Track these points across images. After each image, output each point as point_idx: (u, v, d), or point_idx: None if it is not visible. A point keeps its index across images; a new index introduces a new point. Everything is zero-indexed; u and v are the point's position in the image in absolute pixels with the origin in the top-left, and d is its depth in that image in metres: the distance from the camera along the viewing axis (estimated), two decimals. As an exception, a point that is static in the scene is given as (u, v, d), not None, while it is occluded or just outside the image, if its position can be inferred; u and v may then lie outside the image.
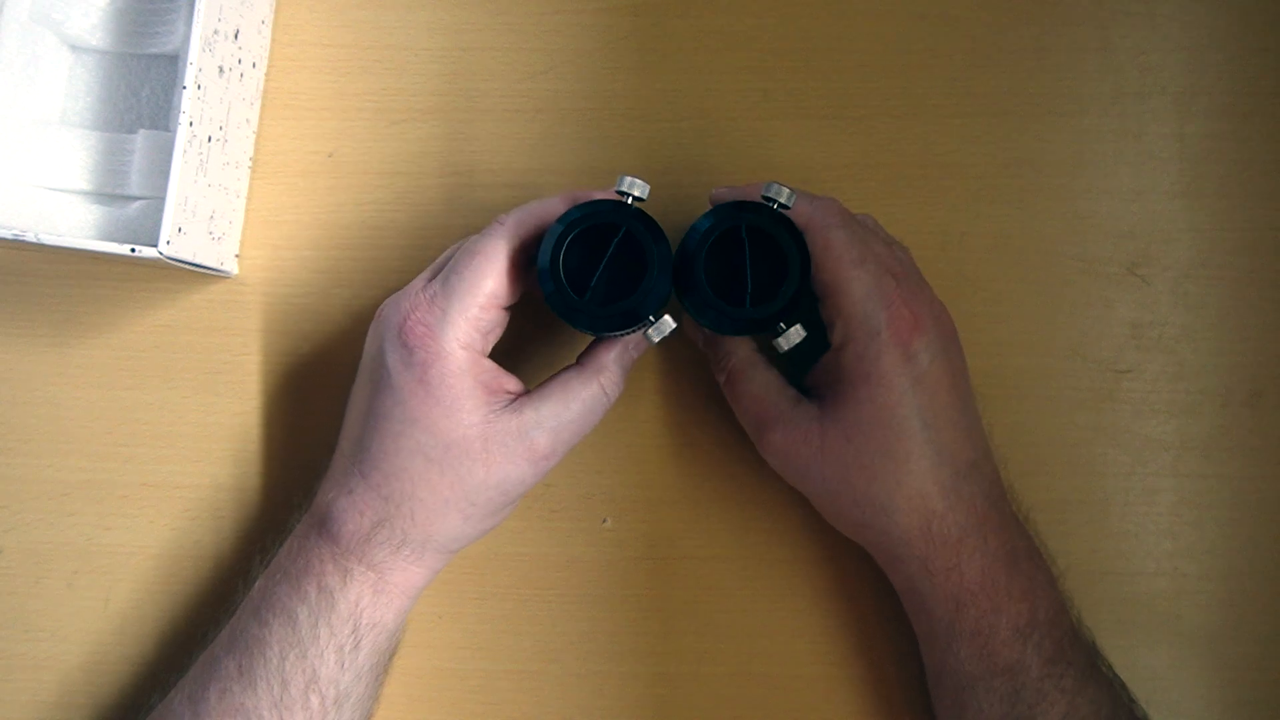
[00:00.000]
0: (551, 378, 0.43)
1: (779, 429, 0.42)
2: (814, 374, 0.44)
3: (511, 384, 0.42)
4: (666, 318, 0.40)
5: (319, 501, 0.42)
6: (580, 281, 0.40)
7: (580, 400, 0.42)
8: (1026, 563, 0.41)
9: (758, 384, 0.43)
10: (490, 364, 0.41)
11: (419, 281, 0.42)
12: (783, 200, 0.40)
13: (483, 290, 0.40)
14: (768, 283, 0.40)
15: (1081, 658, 0.40)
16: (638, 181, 0.40)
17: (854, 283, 0.40)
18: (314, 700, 0.40)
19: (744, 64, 0.49)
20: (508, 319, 0.42)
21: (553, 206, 0.41)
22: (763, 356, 0.44)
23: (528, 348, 0.48)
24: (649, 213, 0.40)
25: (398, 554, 0.40)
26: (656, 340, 0.40)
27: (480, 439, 0.40)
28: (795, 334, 0.40)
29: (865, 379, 0.40)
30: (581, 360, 0.43)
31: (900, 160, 0.49)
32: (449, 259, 0.43)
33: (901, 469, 0.40)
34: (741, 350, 0.44)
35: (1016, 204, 0.49)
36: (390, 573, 0.41)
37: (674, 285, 0.41)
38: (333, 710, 0.40)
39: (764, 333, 0.41)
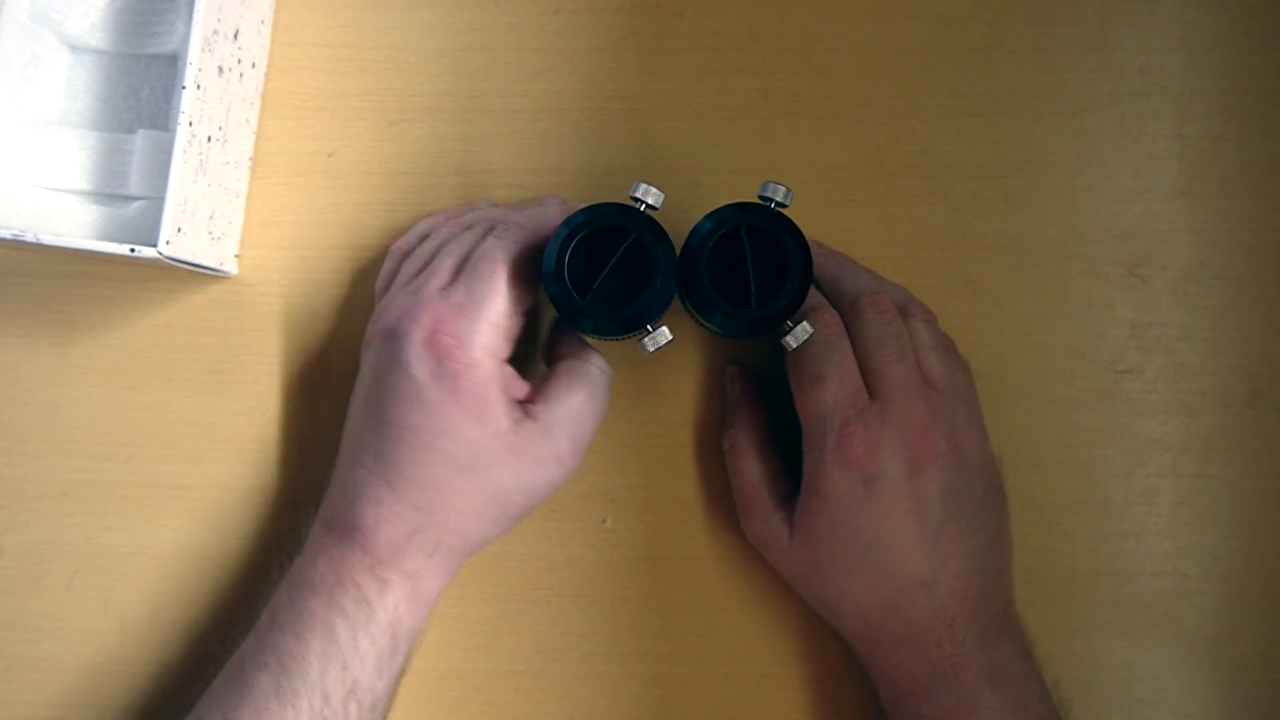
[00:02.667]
0: (550, 377, 0.43)
1: (756, 520, 0.44)
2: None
3: (526, 388, 0.42)
4: (664, 329, 0.40)
5: (339, 513, 0.41)
6: (584, 284, 0.40)
7: (586, 390, 0.43)
8: (975, 682, 0.40)
9: (753, 470, 0.45)
10: (510, 370, 0.42)
11: (418, 283, 0.42)
12: (779, 199, 0.40)
13: (509, 295, 0.41)
14: (771, 282, 0.40)
15: None
16: (653, 189, 0.40)
17: (810, 399, 0.42)
18: (352, 709, 0.39)
19: (744, 64, 0.49)
20: (524, 323, 0.43)
21: (553, 215, 0.42)
22: (769, 443, 0.45)
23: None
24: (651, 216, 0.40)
25: (431, 559, 0.41)
26: (652, 350, 0.40)
27: (507, 447, 0.40)
28: (803, 331, 0.40)
29: (815, 493, 0.41)
30: (562, 353, 0.44)
31: (900, 160, 0.49)
32: (411, 249, 0.45)
33: (845, 580, 0.41)
34: (750, 431, 0.45)
35: (1016, 204, 0.49)
36: (424, 579, 0.41)
37: (678, 289, 0.41)
38: (368, 716, 0.40)
39: (771, 332, 0.41)
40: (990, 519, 0.42)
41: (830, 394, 0.41)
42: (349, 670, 0.39)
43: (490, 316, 0.40)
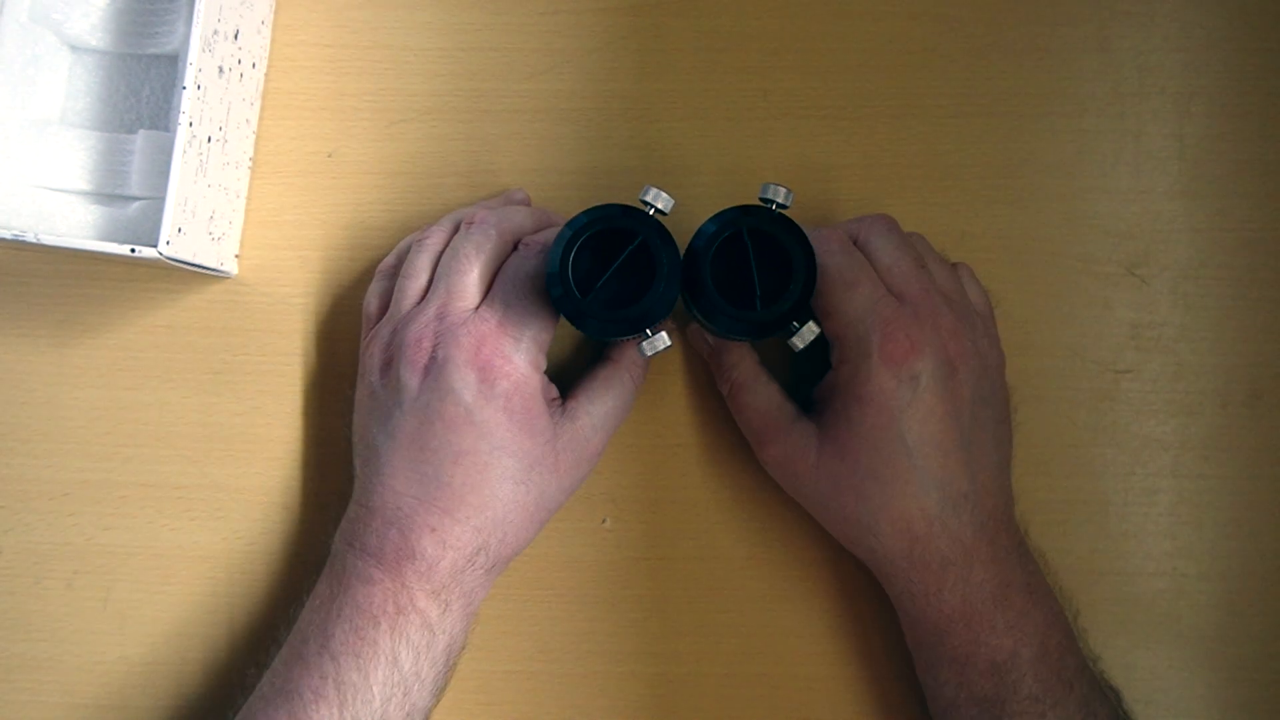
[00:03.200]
0: (589, 377, 0.45)
1: (777, 443, 0.44)
2: (819, 389, 0.44)
3: (554, 388, 0.44)
4: (663, 334, 0.40)
5: (391, 545, 0.40)
6: (587, 286, 0.40)
7: (620, 397, 0.45)
8: (1020, 598, 0.40)
9: (760, 397, 0.44)
10: (546, 377, 0.43)
11: (439, 306, 0.41)
12: (780, 200, 0.40)
13: (544, 310, 0.41)
14: (775, 283, 0.40)
15: (1073, 700, 0.39)
16: (663, 194, 0.40)
17: (846, 304, 0.41)
18: None
19: (744, 64, 0.49)
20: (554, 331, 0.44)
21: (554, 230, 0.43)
22: (765, 370, 0.45)
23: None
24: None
25: (489, 575, 0.42)
26: (650, 354, 0.40)
27: (554, 452, 0.42)
28: (809, 331, 0.40)
29: (857, 400, 0.41)
30: (612, 356, 0.45)
31: (900, 160, 0.49)
32: (402, 257, 0.45)
33: (887, 491, 0.40)
34: (745, 363, 0.45)
35: (1016, 204, 0.49)
36: (478, 594, 0.42)
37: (682, 292, 0.41)
38: None
39: (777, 333, 0.41)
40: (1003, 437, 0.43)
41: (866, 295, 0.41)
42: (410, 696, 0.40)
43: (532, 333, 0.41)
